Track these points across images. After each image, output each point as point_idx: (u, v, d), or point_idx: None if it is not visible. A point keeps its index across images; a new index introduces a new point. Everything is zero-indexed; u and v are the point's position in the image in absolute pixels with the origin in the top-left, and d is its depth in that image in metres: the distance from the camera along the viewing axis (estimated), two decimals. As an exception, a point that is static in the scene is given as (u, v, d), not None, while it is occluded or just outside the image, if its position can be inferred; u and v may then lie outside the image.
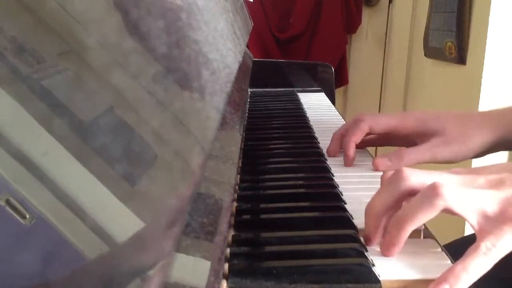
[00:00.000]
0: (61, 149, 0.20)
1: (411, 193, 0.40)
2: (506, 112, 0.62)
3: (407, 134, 0.63)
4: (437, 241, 0.43)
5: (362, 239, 0.42)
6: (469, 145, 0.60)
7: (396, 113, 0.67)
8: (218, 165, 0.44)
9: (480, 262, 0.36)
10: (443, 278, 0.36)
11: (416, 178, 0.41)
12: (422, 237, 0.43)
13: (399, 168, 0.42)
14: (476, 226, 0.38)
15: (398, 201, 0.41)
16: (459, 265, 0.36)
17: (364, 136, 0.64)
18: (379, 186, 0.44)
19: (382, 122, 0.64)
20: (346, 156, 0.63)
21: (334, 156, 0.65)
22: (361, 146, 0.66)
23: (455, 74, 1.79)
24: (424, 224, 0.42)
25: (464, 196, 0.38)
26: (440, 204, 0.37)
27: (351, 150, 0.63)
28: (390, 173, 0.43)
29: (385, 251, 0.40)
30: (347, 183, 0.55)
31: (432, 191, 0.38)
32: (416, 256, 0.40)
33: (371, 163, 0.62)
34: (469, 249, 0.37)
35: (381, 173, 0.47)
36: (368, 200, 0.43)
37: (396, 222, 0.39)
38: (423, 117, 0.62)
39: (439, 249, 0.41)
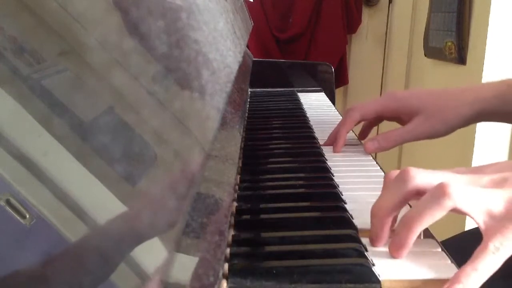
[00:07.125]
0: (61, 149, 0.20)
1: (417, 193, 0.40)
2: (482, 87, 0.68)
3: (393, 115, 0.69)
4: (437, 241, 0.43)
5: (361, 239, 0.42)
6: (448, 121, 0.65)
7: (382, 96, 0.73)
8: (218, 165, 0.44)
9: (489, 261, 0.36)
10: (456, 279, 0.36)
11: (421, 177, 0.41)
12: (422, 237, 0.43)
13: (406, 168, 0.42)
14: (483, 226, 0.38)
15: (404, 201, 0.41)
16: (469, 265, 0.36)
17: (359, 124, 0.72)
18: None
19: (370, 108, 0.70)
20: (335, 145, 0.69)
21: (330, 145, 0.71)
22: (363, 136, 0.74)
23: (455, 74, 1.79)
24: None
25: (471, 195, 0.38)
26: (448, 204, 0.38)
27: (341, 138, 0.69)
28: (394, 173, 0.43)
29: (394, 253, 0.40)
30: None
31: (440, 191, 0.38)
32: (416, 256, 0.40)
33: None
34: (478, 249, 0.37)
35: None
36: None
37: (404, 223, 0.39)
38: (404, 97, 0.69)
39: (439, 249, 0.42)
